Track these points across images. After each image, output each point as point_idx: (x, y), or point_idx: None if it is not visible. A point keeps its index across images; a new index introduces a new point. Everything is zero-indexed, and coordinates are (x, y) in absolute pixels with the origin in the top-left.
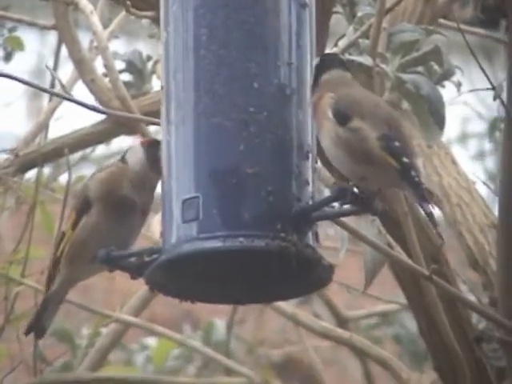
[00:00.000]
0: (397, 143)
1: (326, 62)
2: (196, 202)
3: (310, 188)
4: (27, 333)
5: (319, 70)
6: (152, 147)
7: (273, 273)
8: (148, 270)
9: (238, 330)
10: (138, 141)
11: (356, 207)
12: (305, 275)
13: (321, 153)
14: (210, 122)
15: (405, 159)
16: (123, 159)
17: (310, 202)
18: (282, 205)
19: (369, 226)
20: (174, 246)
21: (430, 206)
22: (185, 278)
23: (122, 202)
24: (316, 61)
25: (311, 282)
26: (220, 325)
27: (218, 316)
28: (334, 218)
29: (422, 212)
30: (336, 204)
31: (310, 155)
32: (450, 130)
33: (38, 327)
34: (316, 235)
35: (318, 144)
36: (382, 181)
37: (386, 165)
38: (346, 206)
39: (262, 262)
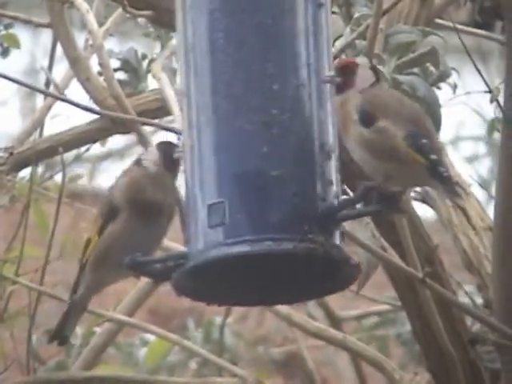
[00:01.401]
0: (424, 140)
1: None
2: (222, 207)
3: (334, 188)
4: (50, 341)
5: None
6: (166, 148)
7: (300, 273)
8: (175, 276)
9: (238, 327)
10: (155, 144)
11: (381, 206)
12: (332, 274)
13: (347, 152)
14: (231, 126)
15: (433, 156)
16: (138, 162)
17: (336, 202)
18: (307, 206)
19: (362, 228)
20: (201, 251)
21: (463, 201)
22: (211, 282)
23: (148, 206)
24: (337, 63)
25: (338, 280)
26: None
27: (221, 311)
28: (360, 217)
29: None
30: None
31: (333, 155)
32: (445, 133)
33: (61, 334)
34: (342, 235)
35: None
36: (410, 179)
37: (414, 163)
38: (372, 205)
39: (290, 263)
